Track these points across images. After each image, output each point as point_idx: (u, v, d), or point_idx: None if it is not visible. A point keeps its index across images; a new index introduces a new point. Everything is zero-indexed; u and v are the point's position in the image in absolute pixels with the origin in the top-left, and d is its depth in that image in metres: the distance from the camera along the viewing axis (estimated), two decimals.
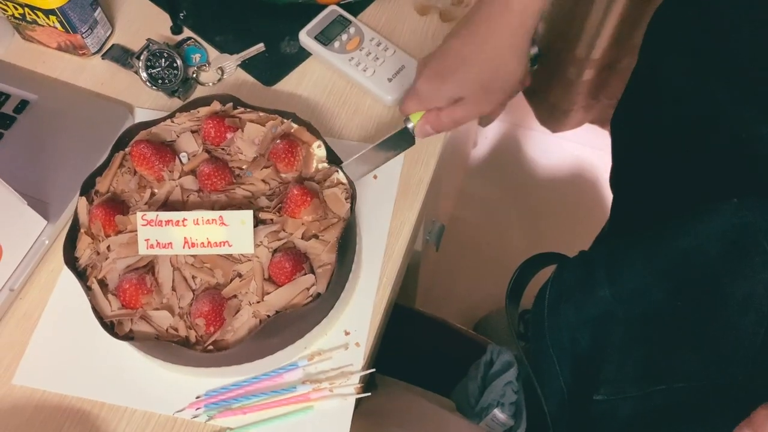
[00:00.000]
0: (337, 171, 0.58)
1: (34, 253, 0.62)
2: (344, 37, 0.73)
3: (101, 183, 0.59)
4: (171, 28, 0.77)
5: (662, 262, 0.58)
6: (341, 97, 0.72)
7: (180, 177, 0.59)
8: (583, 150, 1.61)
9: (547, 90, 1.56)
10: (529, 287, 0.89)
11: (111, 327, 0.52)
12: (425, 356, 0.64)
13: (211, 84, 0.73)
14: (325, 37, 0.73)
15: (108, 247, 0.55)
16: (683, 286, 0.56)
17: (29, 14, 0.70)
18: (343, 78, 0.73)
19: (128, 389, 0.58)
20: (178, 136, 0.61)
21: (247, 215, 0.53)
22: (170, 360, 0.55)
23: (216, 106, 0.62)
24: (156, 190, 0.58)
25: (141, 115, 0.71)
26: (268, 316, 0.52)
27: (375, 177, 0.66)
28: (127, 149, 0.60)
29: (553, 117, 1.60)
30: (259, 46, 0.74)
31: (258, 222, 0.56)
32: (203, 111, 0.62)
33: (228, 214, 0.53)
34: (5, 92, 0.71)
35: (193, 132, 0.61)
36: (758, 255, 0.50)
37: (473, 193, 1.63)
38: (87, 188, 0.58)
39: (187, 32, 0.77)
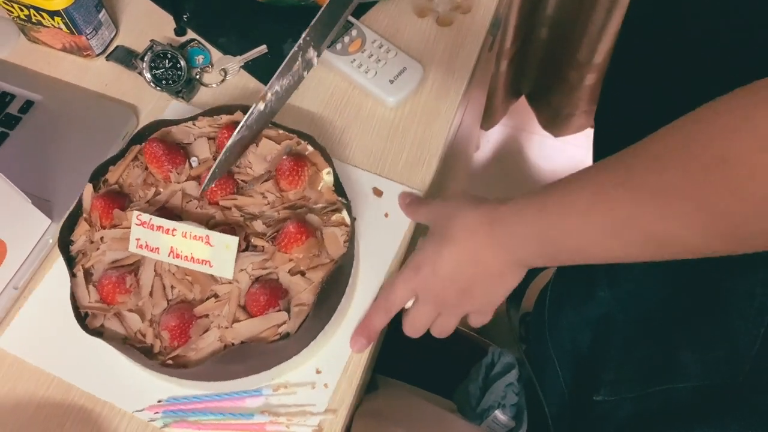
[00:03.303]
0: (342, 209, 0.57)
1: (38, 251, 0.63)
2: (346, 39, 0.73)
3: (113, 173, 0.59)
4: (174, 29, 0.77)
5: (661, 262, 0.58)
6: (343, 99, 0.72)
7: (185, 181, 0.59)
8: (585, 154, 1.62)
9: (549, 94, 1.56)
10: (530, 289, 0.89)
11: (84, 317, 0.52)
12: (426, 357, 0.64)
13: (214, 85, 0.73)
14: None
15: (101, 239, 0.56)
16: (682, 286, 0.57)
17: (34, 16, 0.71)
18: (345, 80, 0.73)
19: (97, 377, 0.58)
20: (195, 140, 0.61)
21: (233, 241, 0.52)
22: (134, 360, 0.54)
23: (239, 116, 0.61)
24: (161, 190, 0.59)
25: (146, 116, 0.72)
26: (233, 343, 0.51)
27: (386, 215, 0.64)
28: (143, 144, 0.60)
29: (555, 121, 1.60)
30: (262, 48, 0.75)
31: (248, 246, 0.55)
32: (225, 119, 0.62)
33: (215, 236, 0.52)
34: (10, 93, 0.72)
35: (209, 138, 0.61)
36: (756, 254, 0.50)
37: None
38: (98, 175, 0.59)
39: (190, 34, 0.77)
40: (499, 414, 0.76)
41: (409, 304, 0.57)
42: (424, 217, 0.59)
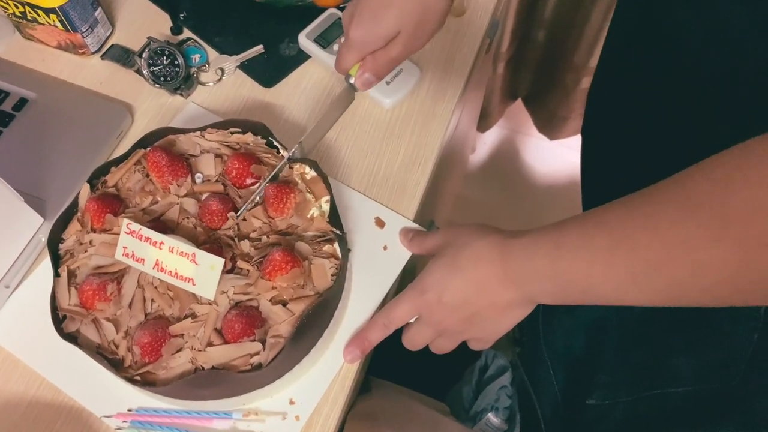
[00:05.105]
0: (334, 241, 0.55)
1: (31, 250, 0.62)
2: (343, 40, 0.73)
3: (113, 174, 0.58)
4: (171, 28, 0.77)
5: None
6: None
7: (185, 195, 0.58)
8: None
9: (545, 97, 1.57)
10: None
11: (62, 320, 0.52)
12: (420, 359, 0.64)
13: (211, 84, 0.73)
14: (324, 40, 0.73)
15: (90, 242, 0.55)
16: None
17: (30, 13, 0.71)
18: (342, 81, 0.73)
19: (73, 375, 0.57)
20: (201, 153, 0.60)
21: (219, 263, 0.50)
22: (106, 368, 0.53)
23: (249, 137, 0.60)
24: (159, 199, 0.58)
25: (140, 115, 0.71)
26: (203, 367, 0.50)
27: (385, 248, 0.62)
28: (147, 149, 0.59)
29: (551, 124, 1.61)
30: (258, 48, 0.74)
31: (233, 267, 0.54)
32: (235, 138, 0.61)
33: (201, 254, 0.51)
34: (4, 90, 0.71)
35: (216, 156, 0.60)
36: None
37: (471, 198, 1.64)
38: (98, 175, 0.58)
39: (187, 33, 0.77)
40: (491, 417, 0.76)
41: (412, 319, 0.56)
42: (434, 244, 0.57)
